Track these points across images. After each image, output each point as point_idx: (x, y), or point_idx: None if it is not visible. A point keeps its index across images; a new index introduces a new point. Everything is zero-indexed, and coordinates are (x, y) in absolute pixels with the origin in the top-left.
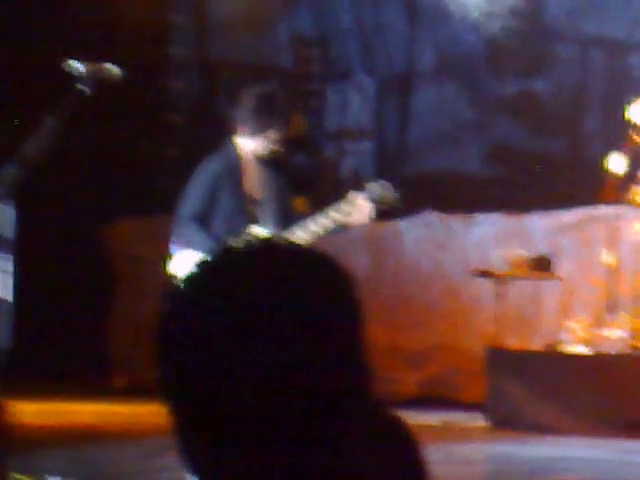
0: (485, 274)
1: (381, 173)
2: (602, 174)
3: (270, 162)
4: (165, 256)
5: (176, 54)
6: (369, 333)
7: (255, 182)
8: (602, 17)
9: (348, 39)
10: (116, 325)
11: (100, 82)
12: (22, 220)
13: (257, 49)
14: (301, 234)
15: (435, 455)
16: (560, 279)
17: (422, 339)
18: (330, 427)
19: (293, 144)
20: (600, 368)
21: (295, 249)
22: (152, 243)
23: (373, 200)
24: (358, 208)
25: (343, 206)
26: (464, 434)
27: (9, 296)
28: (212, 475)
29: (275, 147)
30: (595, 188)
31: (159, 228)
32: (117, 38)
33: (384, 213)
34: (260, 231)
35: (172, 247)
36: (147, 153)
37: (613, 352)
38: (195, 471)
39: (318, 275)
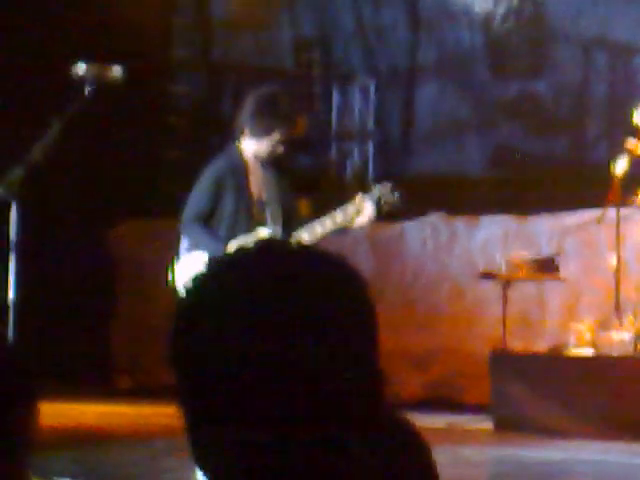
0: (490, 276)
1: (384, 175)
2: (606, 176)
3: (274, 164)
4: (168, 258)
5: (179, 56)
6: None
7: (260, 184)
8: (604, 18)
9: (350, 41)
10: (119, 327)
11: (103, 84)
12: (25, 221)
13: (260, 51)
14: (307, 235)
15: (440, 457)
16: (565, 281)
17: (426, 341)
18: (340, 428)
19: (297, 146)
20: (605, 370)
21: (308, 250)
22: (154, 245)
23: (377, 202)
24: (363, 211)
25: (349, 209)
26: (469, 436)
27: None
28: (222, 473)
29: (279, 149)
30: (599, 190)
31: (161, 230)
32: (120, 40)
33: (388, 215)
34: (266, 232)
35: (179, 249)
36: (150, 155)
37: (618, 354)
38: (206, 469)
39: (331, 277)
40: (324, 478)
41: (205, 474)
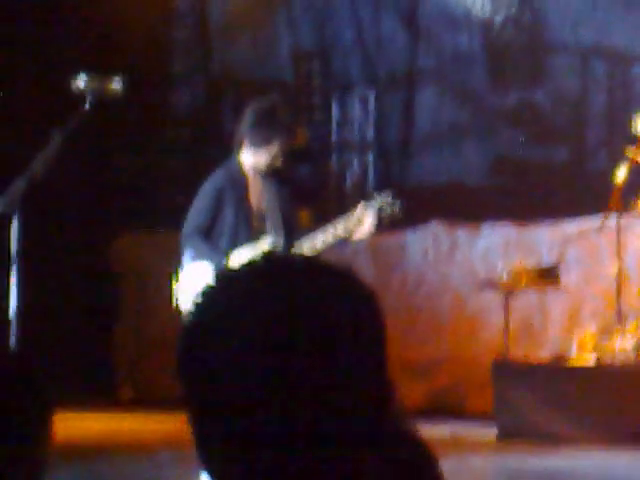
0: (491, 285)
1: (385, 184)
2: (606, 184)
3: (274, 174)
4: (169, 269)
5: (179, 69)
6: None
7: (260, 195)
8: (603, 27)
9: (349, 52)
10: (121, 338)
11: (103, 97)
12: (26, 234)
13: (259, 63)
14: (308, 246)
15: (443, 467)
16: (566, 289)
17: (429, 351)
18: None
19: (297, 156)
20: (608, 378)
21: (315, 263)
22: (156, 257)
23: (378, 211)
24: (363, 222)
25: (349, 219)
26: (472, 446)
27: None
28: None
29: (278, 160)
30: (599, 198)
31: (163, 242)
32: (120, 53)
33: (389, 224)
34: (267, 244)
35: (182, 260)
36: (150, 167)
37: (620, 362)
38: (213, 475)
39: (339, 290)
40: None
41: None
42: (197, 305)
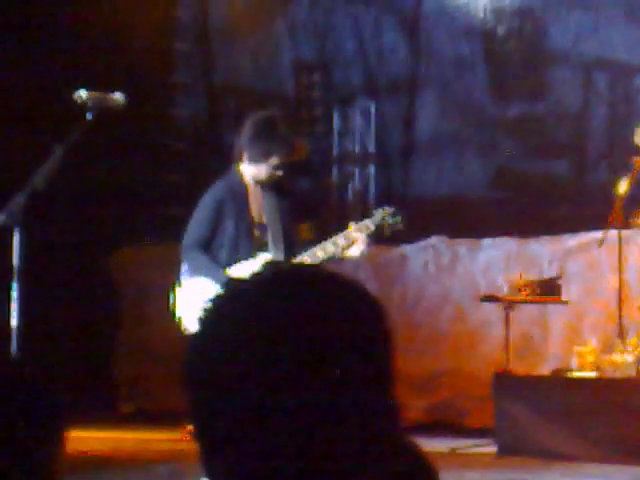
0: (492, 299)
1: (386, 196)
2: (607, 197)
3: (274, 187)
4: (170, 283)
5: (180, 81)
6: None
7: (260, 207)
8: (604, 39)
9: (350, 63)
10: (121, 352)
11: (105, 110)
12: (27, 248)
13: (261, 75)
14: (307, 259)
15: None
16: (567, 303)
17: (429, 365)
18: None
19: (298, 169)
20: (609, 393)
21: (324, 274)
22: (158, 271)
23: (379, 226)
24: (353, 243)
25: (340, 240)
26: (472, 460)
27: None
28: None
29: (277, 173)
30: (600, 211)
31: (165, 255)
32: (121, 66)
33: (389, 238)
34: (268, 256)
35: (181, 275)
36: (151, 180)
37: (622, 376)
38: None
39: (348, 301)
40: None
41: None
42: (204, 316)
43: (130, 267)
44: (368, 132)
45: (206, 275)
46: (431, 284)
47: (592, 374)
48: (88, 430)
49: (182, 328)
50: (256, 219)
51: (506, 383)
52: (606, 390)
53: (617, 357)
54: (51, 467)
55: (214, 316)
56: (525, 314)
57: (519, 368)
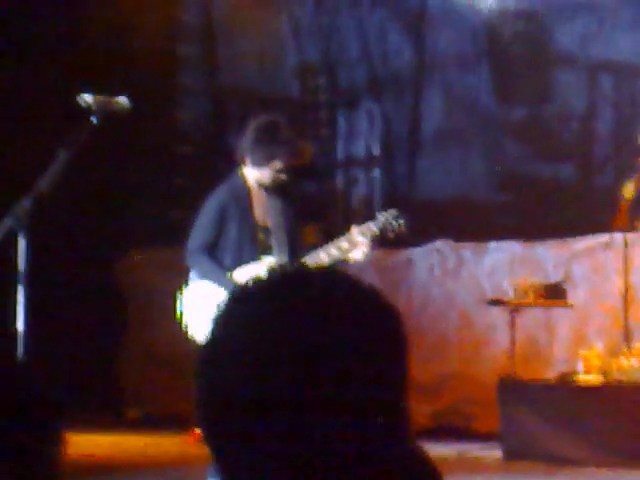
0: (498, 303)
1: (391, 200)
2: (613, 200)
3: (278, 190)
4: (177, 287)
5: (185, 84)
6: None
7: (264, 211)
8: (610, 41)
9: (355, 66)
10: (128, 356)
11: (110, 114)
12: (33, 252)
13: (265, 78)
14: (312, 263)
15: None
16: (573, 307)
17: (435, 369)
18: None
19: (303, 173)
20: (615, 398)
21: (337, 276)
22: (164, 274)
23: (382, 229)
24: (356, 246)
25: (343, 243)
26: (478, 465)
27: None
28: None
29: (281, 177)
30: (606, 214)
31: (171, 259)
32: (126, 69)
33: (393, 241)
34: (272, 260)
35: (188, 278)
36: (157, 183)
37: (628, 381)
38: None
39: (363, 306)
40: None
41: None
42: (215, 323)
43: (136, 271)
44: (373, 135)
45: (211, 279)
46: (436, 288)
47: (598, 378)
48: (94, 434)
49: (188, 333)
50: (260, 222)
51: (511, 388)
52: (612, 394)
53: (623, 361)
54: (51, 468)
55: (226, 322)
56: (531, 318)
57: (525, 372)
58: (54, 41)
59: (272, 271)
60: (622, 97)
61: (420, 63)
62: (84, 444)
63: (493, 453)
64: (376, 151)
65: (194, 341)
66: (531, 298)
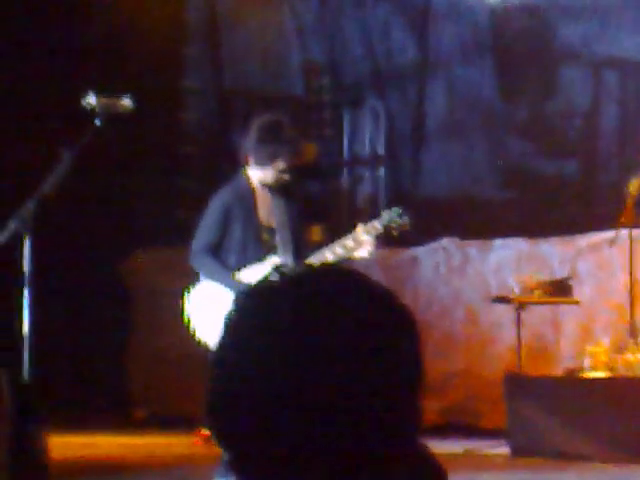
0: (503, 300)
1: (396, 199)
2: (618, 196)
3: (283, 190)
4: (183, 288)
5: (190, 85)
6: None
7: (268, 211)
8: (614, 38)
9: (359, 66)
10: (134, 357)
11: (114, 115)
12: (38, 254)
13: (270, 78)
14: (316, 262)
15: None
16: (579, 303)
17: (441, 366)
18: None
19: (308, 172)
20: (622, 393)
21: (350, 276)
22: (170, 275)
23: (386, 227)
24: (361, 244)
25: (348, 242)
26: (486, 461)
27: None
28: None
29: (284, 176)
30: (611, 211)
31: (177, 260)
32: (131, 70)
33: (398, 239)
34: (277, 260)
35: (196, 278)
36: (162, 184)
37: (635, 376)
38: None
39: (375, 306)
40: None
41: None
42: (228, 321)
43: (142, 272)
44: (378, 134)
45: (216, 280)
46: (442, 286)
47: (604, 374)
48: (101, 435)
49: (194, 334)
50: (264, 222)
51: (518, 384)
52: (619, 390)
53: (630, 356)
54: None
55: (237, 323)
56: (537, 315)
57: (531, 369)
58: (57, 42)
59: (282, 271)
60: (626, 93)
61: (424, 60)
62: (90, 444)
63: (500, 449)
64: (381, 150)
65: (200, 342)
66: (537, 295)
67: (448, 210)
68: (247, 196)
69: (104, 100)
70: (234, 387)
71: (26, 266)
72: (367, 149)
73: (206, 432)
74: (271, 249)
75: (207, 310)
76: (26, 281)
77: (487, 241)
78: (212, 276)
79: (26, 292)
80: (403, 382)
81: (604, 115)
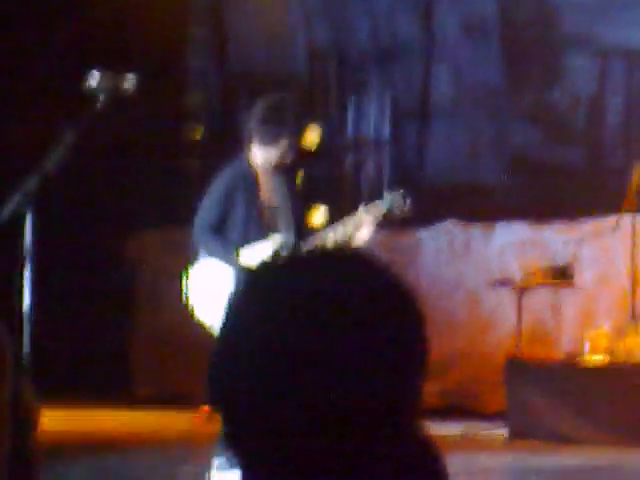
0: (505, 284)
1: (400, 183)
2: (622, 183)
3: (286, 170)
4: (185, 266)
5: (195, 66)
6: None
7: (271, 190)
8: (621, 26)
9: (365, 49)
10: (137, 334)
11: (117, 93)
12: (41, 231)
13: (275, 60)
14: (316, 244)
15: (455, 465)
16: (580, 289)
17: (442, 349)
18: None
19: (312, 153)
20: (622, 378)
21: (354, 258)
22: (172, 254)
23: (389, 209)
24: (362, 225)
25: (349, 223)
26: (484, 444)
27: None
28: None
29: (288, 156)
30: (615, 197)
31: (179, 239)
32: (136, 50)
33: (400, 221)
34: (279, 239)
35: (196, 256)
36: (166, 164)
37: (634, 362)
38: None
39: (380, 288)
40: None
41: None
42: (231, 304)
43: (146, 250)
44: (383, 118)
45: (217, 257)
46: (445, 268)
47: (605, 359)
48: (104, 412)
49: (194, 313)
50: (267, 202)
51: (518, 368)
52: (618, 375)
53: (630, 342)
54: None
55: (240, 306)
56: (538, 299)
57: (532, 353)
58: (62, 20)
59: (286, 253)
60: (632, 81)
61: (429, 44)
62: (93, 421)
63: (499, 432)
64: (386, 133)
65: (200, 321)
66: (539, 280)
67: (452, 194)
68: (250, 176)
69: (107, 79)
70: (236, 372)
71: (28, 243)
72: (372, 131)
73: (207, 409)
74: (273, 228)
75: (206, 288)
76: (28, 258)
77: (490, 225)
78: (213, 253)
79: (27, 269)
80: (407, 365)
81: (609, 102)
